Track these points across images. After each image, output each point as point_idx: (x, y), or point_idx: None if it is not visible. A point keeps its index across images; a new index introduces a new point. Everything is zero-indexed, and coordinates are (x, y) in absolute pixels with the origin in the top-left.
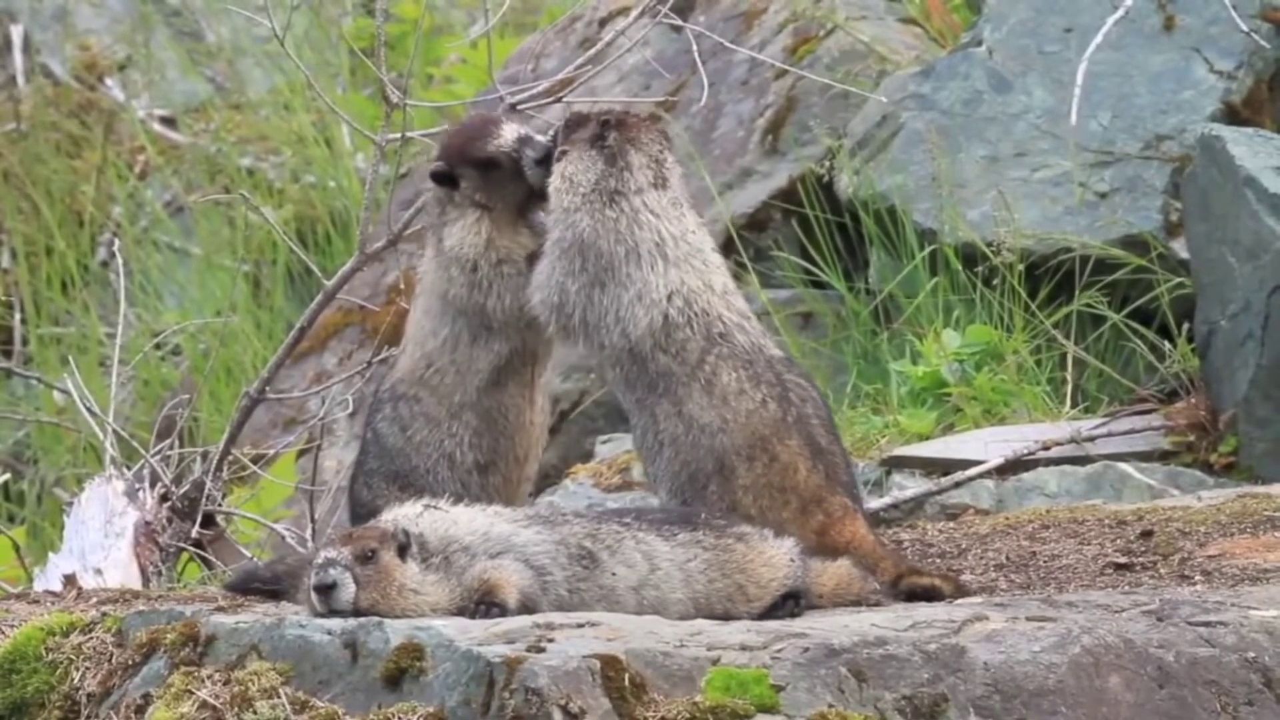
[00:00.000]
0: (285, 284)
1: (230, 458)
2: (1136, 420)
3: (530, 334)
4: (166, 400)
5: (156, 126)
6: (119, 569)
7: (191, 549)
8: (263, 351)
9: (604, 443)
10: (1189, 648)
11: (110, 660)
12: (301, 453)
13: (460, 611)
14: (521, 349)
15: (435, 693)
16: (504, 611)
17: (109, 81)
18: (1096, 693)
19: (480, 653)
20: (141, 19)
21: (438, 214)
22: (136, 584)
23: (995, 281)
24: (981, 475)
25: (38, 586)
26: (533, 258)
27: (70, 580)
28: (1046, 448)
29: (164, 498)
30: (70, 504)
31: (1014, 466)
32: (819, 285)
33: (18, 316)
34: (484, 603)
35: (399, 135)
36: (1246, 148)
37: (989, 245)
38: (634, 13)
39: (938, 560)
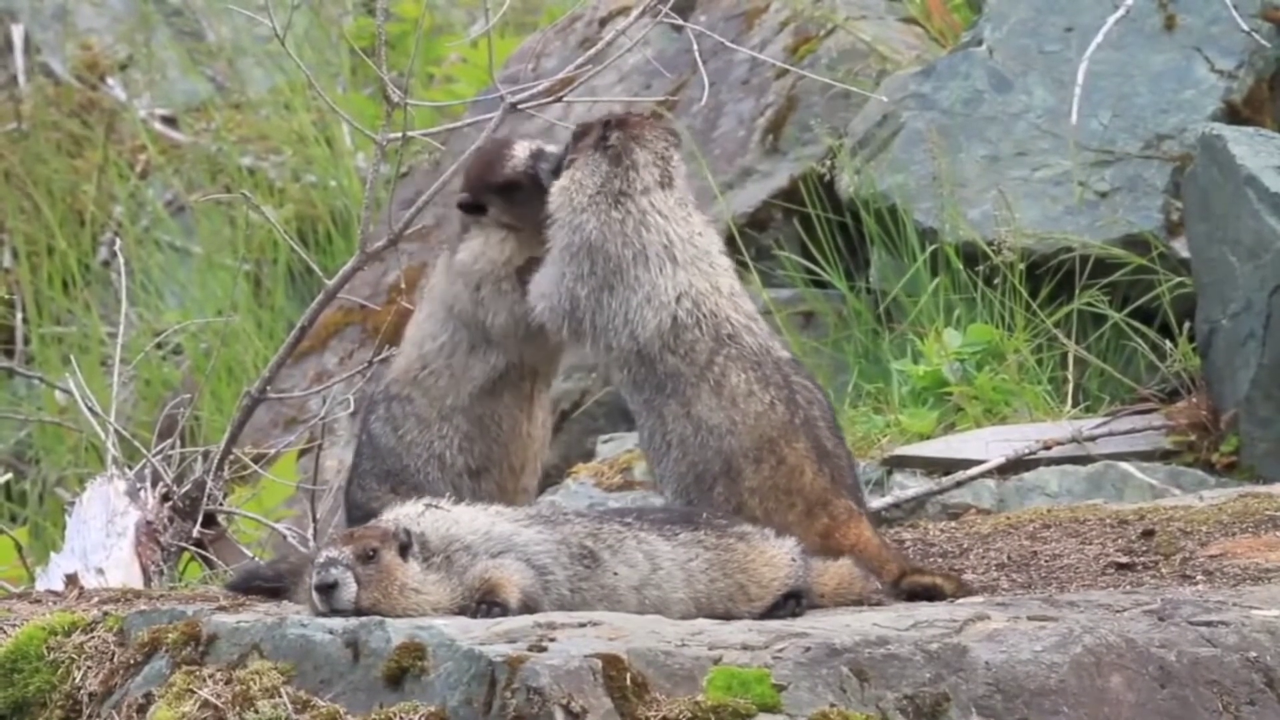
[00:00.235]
0: (286, 283)
1: (231, 457)
2: (1138, 420)
3: (529, 348)
4: (168, 400)
5: (157, 126)
6: (121, 568)
7: (193, 548)
8: (264, 351)
9: (605, 442)
10: (1190, 647)
11: (112, 659)
12: (303, 452)
13: (462, 611)
14: (519, 363)
15: (437, 692)
16: (505, 611)
17: (110, 81)
18: (1098, 692)
19: (482, 652)
20: (142, 18)
21: (460, 231)
22: (138, 583)
23: (996, 281)
24: (983, 475)
25: (39, 586)
26: (523, 271)
27: (72, 580)
28: (1048, 447)
29: (165, 497)
30: (72, 503)
31: (1015, 466)
32: (820, 284)
33: (19, 316)
34: (485, 602)
35: (399, 135)
36: (1247, 147)
37: (990, 244)
38: (634, 12)
39: (939, 560)
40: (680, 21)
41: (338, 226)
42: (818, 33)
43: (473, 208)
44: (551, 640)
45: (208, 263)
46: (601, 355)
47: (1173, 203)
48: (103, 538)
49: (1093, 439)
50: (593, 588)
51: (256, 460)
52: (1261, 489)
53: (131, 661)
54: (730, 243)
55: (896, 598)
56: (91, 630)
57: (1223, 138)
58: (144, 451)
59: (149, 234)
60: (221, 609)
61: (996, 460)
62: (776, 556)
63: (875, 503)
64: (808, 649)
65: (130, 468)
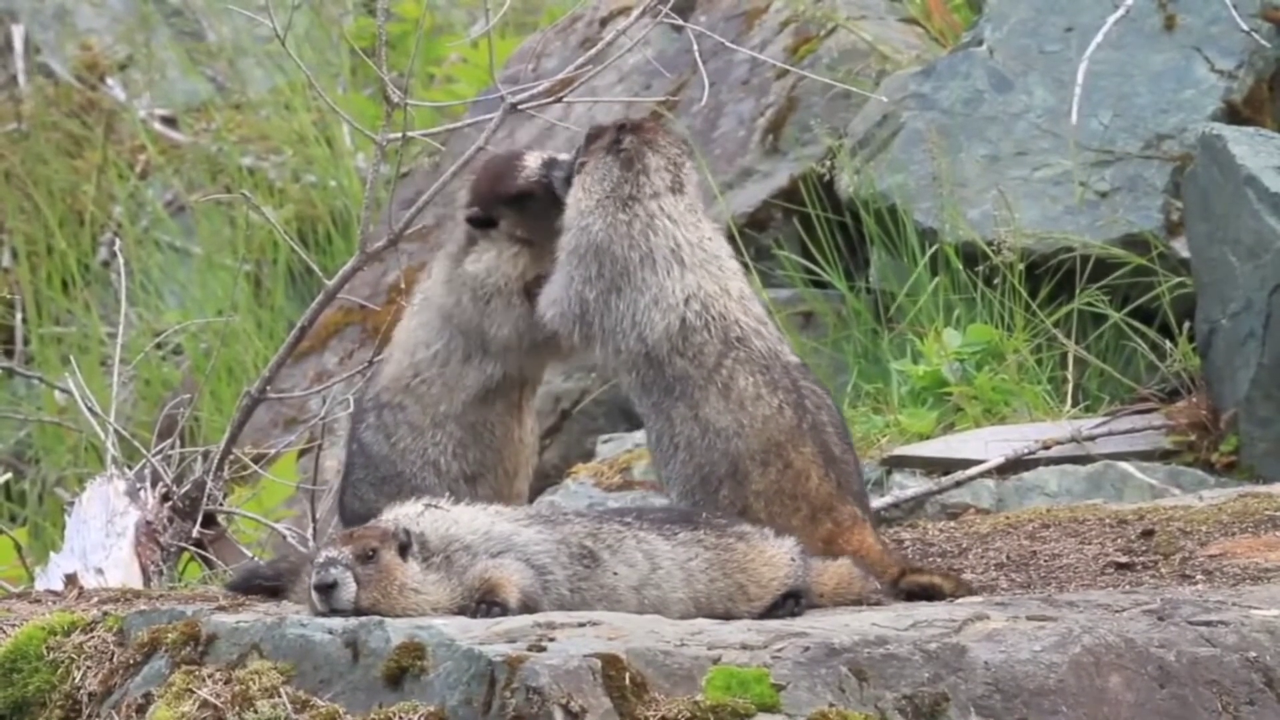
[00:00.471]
0: (286, 283)
1: (231, 457)
2: (1137, 419)
3: (528, 360)
4: (167, 400)
5: (157, 126)
6: (120, 568)
7: (192, 548)
8: (264, 351)
9: (605, 442)
10: (1190, 647)
11: (111, 659)
12: (302, 452)
13: (461, 611)
14: (514, 374)
15: (436, 692)
16: (505, 611)
17: (110, 81)
18: (1097, 692)
19: (481, 652)
20: (142, 19)
21: (463, 245)
22: (138, 583)
23: (996, 281)
24: (982, 474)
25: (39, 586)
26: (531, 286)
27: (71, 580)
28: (1047, 447)
29: (165, 497)
30: (71, 503)
31: (1015, 466)
32: (820, 284)
33: (19, 316)
34: (485, 602)
35: (400, 135)
36: (1247, 147)
37: (989, 244)
38: (635, 12)
39: (938, 559)
40: (680, 22)
41: (338, 227)
42: (818, 33)
43: (483, 222)
44: (551, 640)
45: (208, 263)
46: (611, 359)
47: (1173, 203)
48: (102, 538)
49: (1092, 439)
50: (592, 587)
51: (256, 460)
52: (1261, 489)
53: (131, 661)
54: (730, 243)
55: (895, 597)
56: (91, 630)
57: (1223, 138)
58: (144, 451)
59: (149, 234)
60: (221, 609)
61: (996, 460)
62: (776, 556)
63: (875, 503)
64: (807, 649)
65: (130, 468)
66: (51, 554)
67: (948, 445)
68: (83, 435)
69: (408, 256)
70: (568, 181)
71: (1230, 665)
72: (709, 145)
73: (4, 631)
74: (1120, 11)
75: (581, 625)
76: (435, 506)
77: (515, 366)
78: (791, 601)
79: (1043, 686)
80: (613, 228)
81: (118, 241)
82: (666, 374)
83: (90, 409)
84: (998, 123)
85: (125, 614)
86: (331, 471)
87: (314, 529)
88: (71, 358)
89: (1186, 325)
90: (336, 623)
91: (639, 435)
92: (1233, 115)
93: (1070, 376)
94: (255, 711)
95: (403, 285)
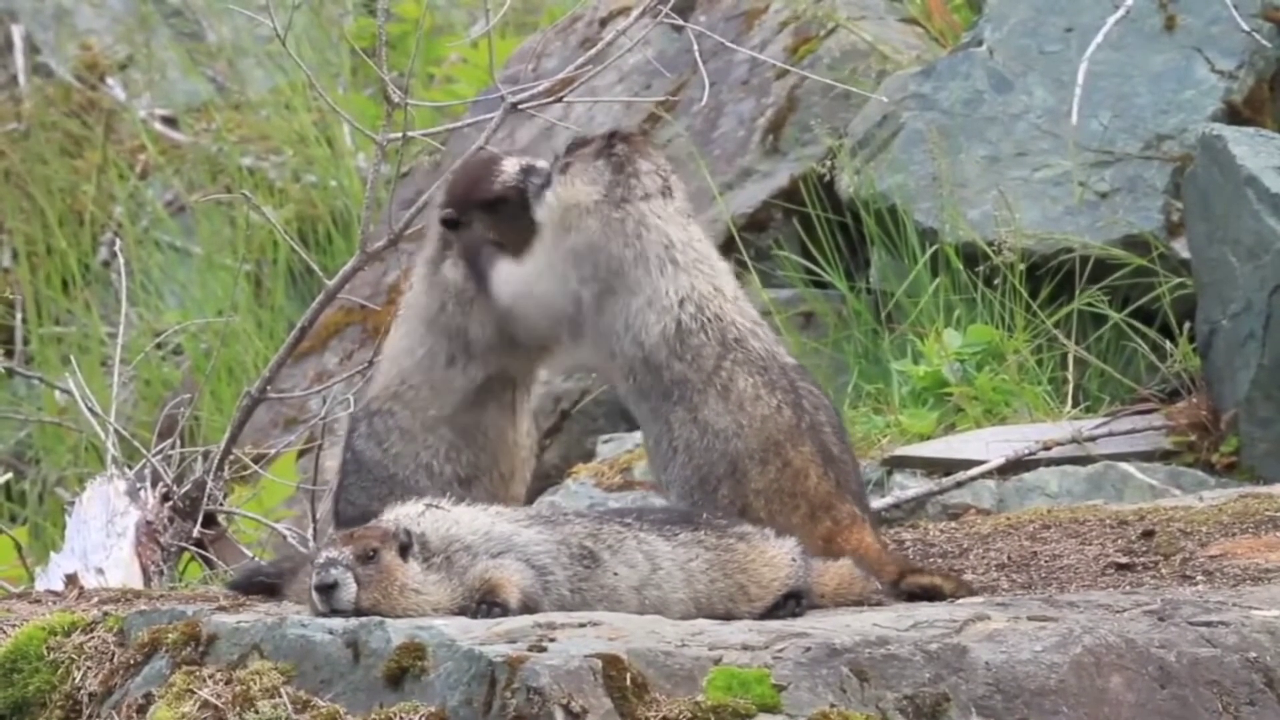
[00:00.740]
0: (286, 283)
1: (231, 457)
2: (1138, 420)
3: (510, 359)
4: (168, 400)
5: (157, 126)
6: (120, 568)
7: (193, 548)
8: (264, 351)
9: (605, 442)
10: (1190, 648)
11: (112, 660)
12: (302, 452)
13: (462, 611)
14: (500, 375)
15: (437, 692)
16: (505, 611)
17: (110, 81)
18: (1098, 692)
19: (482, 652)
20: (142, 19)
21: (439, 248)
22: (138, 583)
23: (996, 281)
24: (983, 475)
25: (39, 586)
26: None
27: (72, 580)
28: (1048, 448)
29: (165, 497)
30: (72, 503)
31: (1015, 466)
32: (820, 285)
33: (19, 316)
34: (486, 602)
35: (400, 135)
36: (1248, 147)
37: (990, 245)
38: (635, 12)
39: (939, 560)
40: (680, 22)
41: (338, 227)
42: (818, 33)
43: (454, 224)
44: (551, 640)
45: (208, 263)
46: (603, 361)
47: (1173, 203)
48: (103, 538)
49: (1093, 439)
50: (593, 588)
51: (257, 460)
52: (1261, 489)
53: (131, 662)
54: (730, 243)
55: (896, 598)
56: (91, 630)
57: (1223, 138)
58: (144, 451)
59: (149, 234)
60: (221, 609)
61: (996, 461)
62: (777, 557)
63: (875, 503)
64: (808, 649)
65: (130, 468)
66: (52, 554)
67: (948, 446)
68: (83, 435)
69: (408, 256)
70: (545, 189)
71: (1231, 666)
72: (709, 145)
73: (4, 631)
74: (1120, 12)
75: (582, 626)
76: (436, 507)
77: (498, 367)
78: (792, 602)
79: (1044, 687)
80: (608, 226)
81: (118, 241)
82: (664, 378)
83: (90, 409)
84: (998, 123)
85: (126, 614)
86: (332, 471)
87: (314, 529)
88: (72, 358)
89: (1187, 326)
90: (337, 623)
91: (639, 435)
92: (1233, 116)
93: (1071, 377)
94: (256, 712)
95: (403, 285)
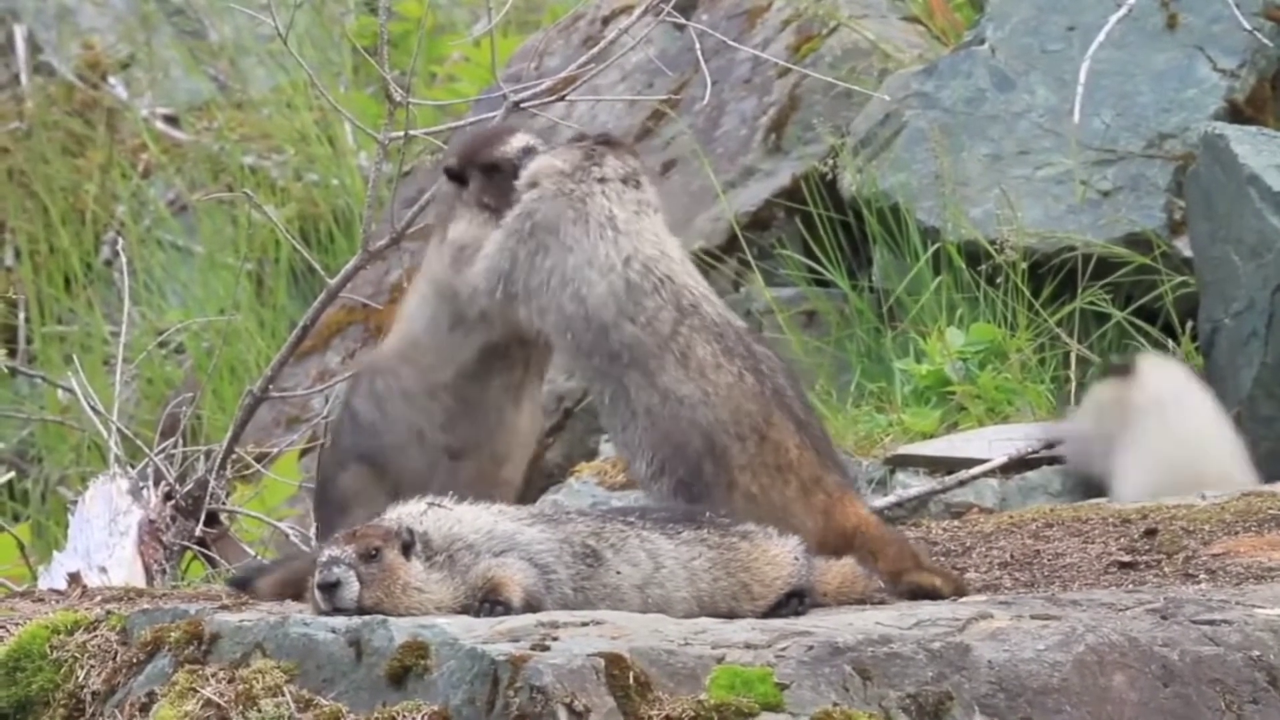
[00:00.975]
0: (288, 282)
1: (234, 456)
2: None
3: (504, 329)
4: (170, 399)
5: (159, 125)
6: (123, 567)
7: (195, 547)
8: (266, 350)
9: (608, 441)
10: (1193, 646)
11: (115, 658)
12: (305, 451)
13: (464, 610)
14: (503, 346)
15: (440, 691)
16: (508, 610)
17: (112, 80)
18: (1101, 691)
19: (485, 651)
20: (144, 18)
21: (448, 208)
22: (141, 582)
23: (998, 280)
24: (985, 474)
25: (42, 585)
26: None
27: (75, 578)
28: (1050, 446)
29: (168, 496)
30: (74, 502)
31: (1018, 465)
32: (822, 283)
33: (21, 315)
34: (488, 601)
35: (402, 133)
36: (1250, 146)
37: (992, 243)
38: (637, 11)
39: (942, 559)
40: (682, 20)
41: (340, 225)
42: (820, 31)
43: (455, 176)
44: (554, 639)
45: (210, 262)
46: (535, 318)
47: (1175, 202)
48: (105, 536)
49: None
50: (595, 587)
51: (259, 459)
52: (1264, 488)
53: (134, 660)
54: (732, 242)
55: (898, 597)
56: (94, 629)
57: (1225, 137)
58: (146, 450)
59: (151, 233)
60: (224, 608)
61: (999, 459)
62: (779, 555)
63: (878, 502)
64: (811, 648)
65: (133, 466)
66: (54, 553)
67: (951, 444)
68: (85, 434)
69: (410, 255)
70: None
71: (1234, 664)
72: (711, 144)
73: (7, 630)
74: (1122, 10)
75: (585, 624)
76: (438, 505)
77: (488, 336)
78: (795, 600)
79: (1046, 685)
80: (560, 191)
81: (120, 240)
82: (612, 338)
83: (93, 408)
84: (1000, 122)
85: (128, 613)
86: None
87: (316, 528)
88: (74, 356)
89: (1189, 324)
90: (340, 622)
91: None
92: (1235, 114)
93: (1073, 376)
94: (259, 710)
95: (405, 284)
